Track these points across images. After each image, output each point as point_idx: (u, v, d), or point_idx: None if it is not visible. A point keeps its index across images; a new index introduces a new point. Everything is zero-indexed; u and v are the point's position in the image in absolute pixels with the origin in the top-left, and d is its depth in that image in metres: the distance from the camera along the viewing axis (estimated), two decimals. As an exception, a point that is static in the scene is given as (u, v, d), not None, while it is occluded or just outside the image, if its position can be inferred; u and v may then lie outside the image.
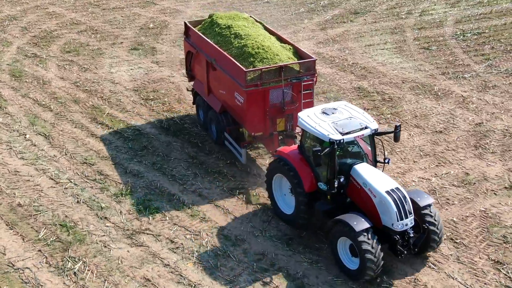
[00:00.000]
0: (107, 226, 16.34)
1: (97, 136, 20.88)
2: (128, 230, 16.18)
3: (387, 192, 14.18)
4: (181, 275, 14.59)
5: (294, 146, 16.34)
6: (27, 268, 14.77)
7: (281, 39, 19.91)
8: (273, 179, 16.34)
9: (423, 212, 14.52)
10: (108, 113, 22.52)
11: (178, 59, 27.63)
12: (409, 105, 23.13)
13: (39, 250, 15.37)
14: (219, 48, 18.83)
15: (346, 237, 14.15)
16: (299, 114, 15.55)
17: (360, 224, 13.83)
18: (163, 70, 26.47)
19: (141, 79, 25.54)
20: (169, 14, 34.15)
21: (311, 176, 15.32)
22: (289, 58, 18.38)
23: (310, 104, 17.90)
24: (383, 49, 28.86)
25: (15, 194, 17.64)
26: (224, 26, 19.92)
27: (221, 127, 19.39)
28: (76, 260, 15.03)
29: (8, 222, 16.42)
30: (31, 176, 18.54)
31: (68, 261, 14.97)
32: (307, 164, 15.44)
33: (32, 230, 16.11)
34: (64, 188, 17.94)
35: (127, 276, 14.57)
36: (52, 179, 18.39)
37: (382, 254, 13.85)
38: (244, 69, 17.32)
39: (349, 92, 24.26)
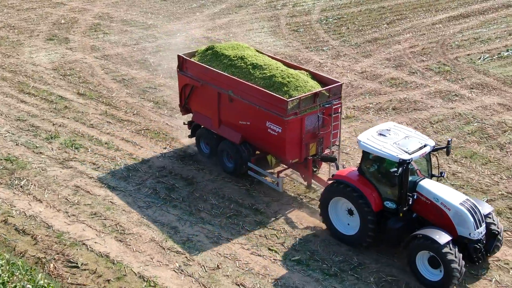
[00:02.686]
0: (42, 158, 21.34)
1: (26, 102, 25.70)
2: (59, 159, 21.27)
3: (461, 204, 14.93)
4: (103, 183, 19.89)
5: (350, 168, 16.92)
6: (-18, 187, 19.63)
7: (287, 64, 20.23)
8: (329, 203, 16.73)
9: (487, 219, 15.45)
10: (33, 86, 27.35)
11: (88, 46, 32.72)
12: (278, 70, 29.35)
13: (-10, 176, 20.25)
14: (242, 80, 18.94)
15: (427, 251, 14.70)
16: (359, 137, 16.00)
17: (443, 237, 14.41)
18: (76, 54, 31.46)
19: (58, 61, 30.43)
20: (78, 12, 39.07)
21: (376, 195, 15.79)
22: (315, 84, 18.96)
23: (338, 126, 19.01)
24: (260, 32, 35.19)
25: (-37, 143, 22.33)
26: (235, 57, 19.93)
27: (243, 157, 19.58)
28: (21, 179, 19.99)
29: (-39, 161, 21.14)
30: (-25, 131, 23.24)
31: (15, 180, 19.90)
32: (369, 185, 15.92)
33: (-18, 164, 20.93)
34: (4, 137, 22.74)
35: (62, 186, 19.69)
36: (-7, 132, 23.18)
37: (463, 263, 14.65)
38: (285, 99, 17.75)
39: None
